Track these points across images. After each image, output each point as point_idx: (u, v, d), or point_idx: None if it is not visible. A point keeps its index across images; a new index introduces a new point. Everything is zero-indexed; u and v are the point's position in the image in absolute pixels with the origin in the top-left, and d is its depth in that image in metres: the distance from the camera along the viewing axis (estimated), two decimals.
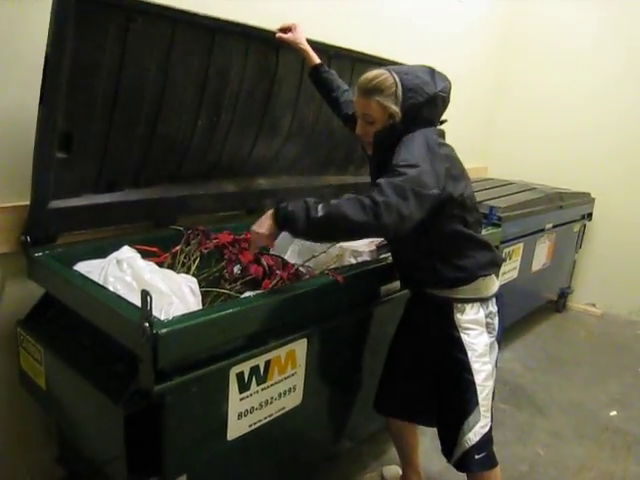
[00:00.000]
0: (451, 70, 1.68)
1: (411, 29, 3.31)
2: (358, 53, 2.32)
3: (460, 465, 1.69)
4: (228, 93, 1.95)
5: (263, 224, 1.47)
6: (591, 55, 4.15)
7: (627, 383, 3.22)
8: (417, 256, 1.68)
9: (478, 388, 1.64)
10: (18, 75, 1.60)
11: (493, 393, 1.71)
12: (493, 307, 1.71)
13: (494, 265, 1.72)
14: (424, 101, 1.55)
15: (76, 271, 1.55)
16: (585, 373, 3.30)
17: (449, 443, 1.70)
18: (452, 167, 1.56)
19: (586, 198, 4.08)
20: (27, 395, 1.75)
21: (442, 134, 1.66)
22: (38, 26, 1.40)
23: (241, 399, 1.47)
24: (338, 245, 1.92)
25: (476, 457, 1.65)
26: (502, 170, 4.33)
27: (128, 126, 1.73)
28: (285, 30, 1.98)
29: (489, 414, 1.68)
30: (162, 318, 1.28)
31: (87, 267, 1.58)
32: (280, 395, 1.60)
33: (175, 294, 1.51)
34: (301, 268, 1.79)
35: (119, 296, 1.39)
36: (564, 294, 4.25)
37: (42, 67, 1.40)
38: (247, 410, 1.50)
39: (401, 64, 1.76)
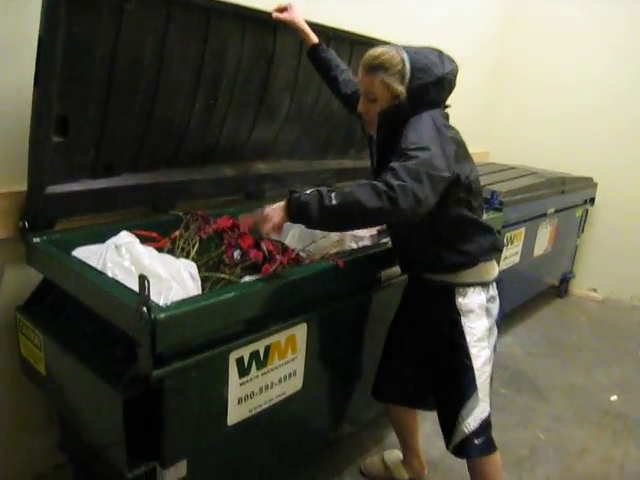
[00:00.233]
0: (452, 54, 1.65)
1: (411, 11, 3.27)
2: (357, 35, 2.29)
3: (459, 451, 1.69)
4: (225, 75, 1.92)
5: (275, 213, 1.42)
6: (594, 38, 4.11)
7: (628, 368, 3.22)
8: (421, 241, 1.65)
9: (476, 373, 1.63)
10: (13, 59, 1.58)
11: (491, 378, 1.70)
12: (494, 291, 1.70)
13: (496, 250, 1.71)
14: (432, 82, 1.52)
15: (74, 257, 1.54)
16: (586, 358, 3.30)
17: (448, 429, 1.70)
18: (459, 150, 1.54)
19: (588, 183, 4.05)
20: (28, 381, 1.75)
21: (447, 117, 1.64)
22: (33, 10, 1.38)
23: (241, 384, 1.46)
24: None
25: (475, 442, 1.65)
26: (504, 155, 4.30)
27: (124, 109, 1.71)
28: (281, 10, 1.94)
29: (488, 399, 1.67)
30: (161, 303, 1.28)
31: (85, 253, 1.57)
32: (280, 380, 1.60)
33: (174, 279, 1.50)
34: (301, 253, 1.78)
35: (117, 281, 1.38)
36: (566, 279, 4.24)
37: (36, 50, 1.37)
38: (247, 395, 1.50)
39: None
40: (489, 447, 1.69)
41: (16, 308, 1.68)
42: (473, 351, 1.62)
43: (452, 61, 1.59)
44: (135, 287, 1.22)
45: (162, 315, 1.18)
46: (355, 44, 2.31)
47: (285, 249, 1.75)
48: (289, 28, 1.96)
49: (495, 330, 1.70)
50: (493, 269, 1.70)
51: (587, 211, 4.15)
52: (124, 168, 1.83)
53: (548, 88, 4.30)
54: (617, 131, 4.06)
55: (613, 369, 3.19)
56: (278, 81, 2.14)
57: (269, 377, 1.55)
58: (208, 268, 1.73)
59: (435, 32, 3.40)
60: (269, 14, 1.91)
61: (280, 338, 1.55)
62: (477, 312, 1.64)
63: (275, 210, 1.43)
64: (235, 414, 1.48)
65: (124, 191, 1.84)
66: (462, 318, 1.63)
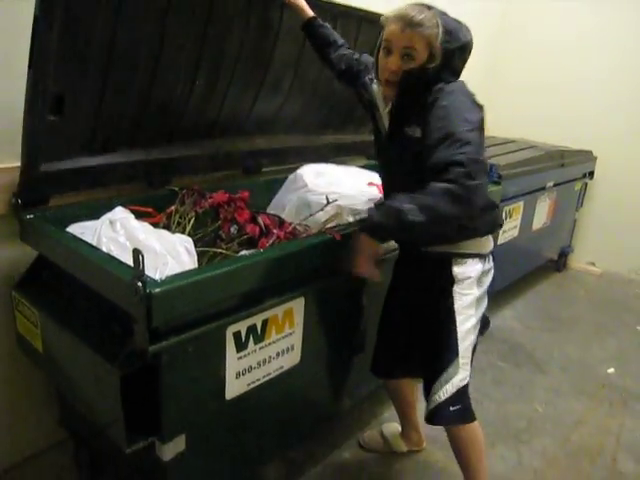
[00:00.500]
0: None
1: None
2: (365, 12, 2.21)
3: (433, 418, 1.66)
4: (229, 50, 1.87)
5: (362, 248, 1.45)
6: (596, 4, 4.03)
7: (625, 341, 3.24)
8: None
9: (459, 337, 1.62)
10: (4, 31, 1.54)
11: (474, 349, 1.68)
12: (489, 264, 1.69)
13: (498, 225, 1.71)
14: (458, 48, 1.47)
15: (68, 232, 1.52)
16: (584, 331, 3.31)
17: (429, 391, 1.67)
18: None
19: (588, 156, 4.02)
20: (26, 358, 1.74)
21: None
22: None
23: (239, 358, 1.46)
24: (336, 203, 1.89)
25: (451, 409, 1.63)
26: (502, 128, 4.26)
27: (123, 87, 1.66)
28: None
29: (469, 367, 1.66)
30: (157, 278, 1.26)
31: (80, 229, 1.56)
32: (278, 354, 1.60)
33: (170, 254, 1.48)
34: (298, 227, 1.77)
35: (111, 256, 1.37)
36: (564, 253, 4.24)
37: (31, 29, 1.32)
38: (245, 369, 1.50)
39: None
40: (466, 414, 1.67)
41: (12, 285, 1.66)
42: (459, 318, 1.61)
43: (469, 30, 1.54)
44: (130, 262, 1.21)
45: (157, 289, 1.17)
46: (363, 21, 2.24)
47: (282, 223, 1.74)
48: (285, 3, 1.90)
49: (484, 302, 1.69)
50: (490, 242, 1.69)
51: (586, 185, 4.13)
52: (120, 145, 1.80)
53: (548, 61, 4.23)
54: (617, 105, 4.01)
55: (610, 342, 3.20)
56: (283, 56, 2.08)
57: (267, 351, 1.55)
58: (204, 243, 1.72)
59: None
60: None
61: (277, 312, 1.54)
62: (470, 281, 1.62)
63: (358, 245, 1.46)
64: (233, 388, 1.49)
65: (120, 167, 1.81)
66: (455, 286, 1.61)
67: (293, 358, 1.67)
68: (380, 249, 1.50)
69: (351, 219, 1.93)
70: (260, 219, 1.68)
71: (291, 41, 2.07)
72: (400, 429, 2.14)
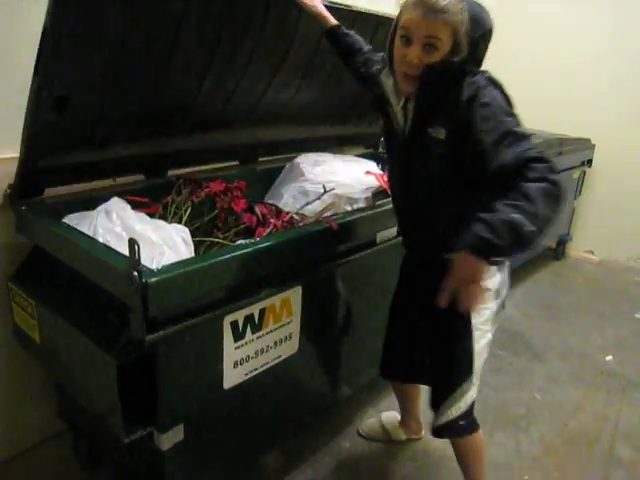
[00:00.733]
0: None
1: None
2: (382, 17, 2.15)
3: (443, 432, 1.64)
4: (241, 53, 1.82)
5: (470, 273, 1.24)
6: None
7: (623, 328, 3.25)
8: (456, 223, 1.36)
9: (475, 356, 1.56)
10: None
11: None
12: (506, 274, 1.59)
13: None
14: (482, 35, 1.33)
15: (64, 223, 1.51)
16: (582, 319, 3.32)
17: (437, 405, 1.63)
18: None
19: (586, 144, 4.01)
20: (23, 350, 1.74)
21: None
22: None
23: (236, 348, 1.46)
24: (333, 192, 1.88)
25: (460, 423, 1.61)
26: None
27: (130, 89, 1.62)
28: None
29: (478, 382, 1.62)
30: (153, 268, 1.26)
31: (76, 219, 1.55)
32: (276, 343, 1.59)
33: (166, 244, 1.48)
34: (295, 216, 1.76)
35: (108, 246, 1.36)
36: (563, 241, 4.24)
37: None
38: (243, 359, 1.49)
39: None
40: (473, 426, 1.66)
41: (8, 277, 1.66)
42: (476, 333, 1.54)
43: (488, 12, 1.40)
44: (126, 252, 1.20)
45: (153, 279, 1.16)
46: (380, 25, 2.17)
47: (279, 212, 1.74)
48: (304, 10, 1.81)
49: (500, 315, 1.62)
50: None
51: (584, 173, 4.12)
52: (121, 140, 1.77)
53: (545, 44, 4.21)
54: (616, 91, 3.99)
55: (609, 330, 3.21)
56: (296, 57, 2.02)
57: (264, 340, 1.55)
58: (201, 233, 1.72)
59: None
60: None
61: (275, 301, 1.53)
62: (489, 294, 1.51)
63: (464, 268, 1.25)
64: (231, 378, 1.48)
65: (118, 161, 1.80)
66: None
67: (291, 347, 1.67)
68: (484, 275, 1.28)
69: (349, 208, 1.93)
70: (257, 208, 1.67)
71: (306, 44, 2.01)
72: (399, 417, 2.14)
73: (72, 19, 1.30)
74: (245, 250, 1.40)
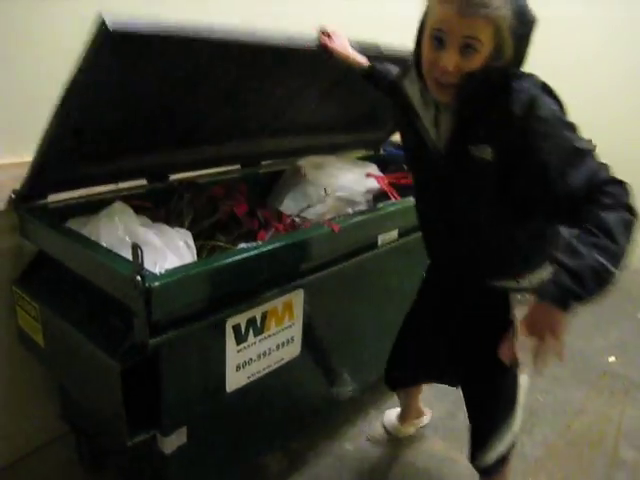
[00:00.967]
0: None
1: None
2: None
3: (489, 471, 1.56)
4: (260, 91, 1.81)
5: (553, 323, 1.08)
6: None
7: (626, 329, 3.24)
8: (516, 244, 1.32)
9: (519, 386, 1.46)
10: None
11: None
12: None
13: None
14: (527, 33, 1.13)
15: (67, 227, 1.53)
16: (585, 320, 3.30)
17: (478, 444, 1.54)
18: None
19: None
20: (27, 353, 1.75)
21: None
22: None
23: (238, 351, 1.47)
24: (334, 195, 1.89)
25: (505, 455, 1.55)
26: None
27: (145, 121, 1.63)
28: (326, 34, 1.69)
29: (521, 411, 1.51)
30: (156, 272, 1.27)
31: (79, 223, 1.57)
32: (278, 346, 1.60)
33: (169, 248, 1.49)
34: (297, 219, 1.77)
35: (111, 251, 1.37)
36: None
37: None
38: (245, 362, 1.50)
39: None
40: (509, 457, 1.57)
41: (13, 280, 1.67)
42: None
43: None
44: (129, 257, 1.21)
45: (156, 283, 1.17)
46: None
47: (280, 216, 1.74)
48: (333, 57, 1.73)
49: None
50: None
51: None
52: (128, 153, 1.76)
53: (543, 42, 4.16)
54: (616, 89, 3.97)
55: (611, 331, 3.20)
56: (315, 90, 2.01)
57: (267, 344, 1.55)
58: (203, 236, 1.73)
59: None
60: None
61: (277, 304, 1.54)
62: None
63: (545, 322, 1.09)
64: (234, 381, 1.49)
65: (121, 168, 1.78)
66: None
67: (293, 350, 1.67)
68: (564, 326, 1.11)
69: (350, 210, 1.93)
70: (259, 212, 1.68)
71: (327, 80, 1.99)
72: (399, 412, 2.13)
73: (100, 72, 1.30)
74: (247, 254, 1.40)
